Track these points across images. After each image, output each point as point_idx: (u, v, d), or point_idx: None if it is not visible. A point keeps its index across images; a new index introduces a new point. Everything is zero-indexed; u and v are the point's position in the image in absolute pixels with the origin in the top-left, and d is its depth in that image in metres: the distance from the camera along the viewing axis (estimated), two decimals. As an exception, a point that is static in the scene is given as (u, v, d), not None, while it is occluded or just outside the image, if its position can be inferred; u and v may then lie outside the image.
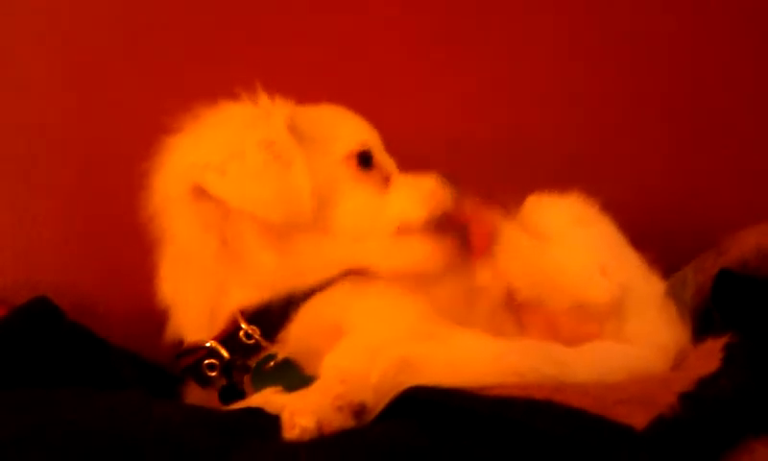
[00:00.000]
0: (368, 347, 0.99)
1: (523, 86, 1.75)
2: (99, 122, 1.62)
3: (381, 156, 1.21)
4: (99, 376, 1.19)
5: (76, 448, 0.74)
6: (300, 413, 0.82)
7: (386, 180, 1.19)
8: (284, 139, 1.09)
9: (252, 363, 1.09)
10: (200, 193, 1.07)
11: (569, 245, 1.17)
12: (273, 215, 1.06)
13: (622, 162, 1.73)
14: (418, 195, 1.17)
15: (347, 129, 1.20)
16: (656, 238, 1.20)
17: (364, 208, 1.15)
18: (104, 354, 1.25)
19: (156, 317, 1.18)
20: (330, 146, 1.16)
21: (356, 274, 1.13)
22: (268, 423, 0.87)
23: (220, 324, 1.11)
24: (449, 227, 1.16)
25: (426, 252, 1.14)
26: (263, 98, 1.14)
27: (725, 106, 1.76)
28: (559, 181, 1.24)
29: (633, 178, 1.71)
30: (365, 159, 1.17)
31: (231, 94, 1.13)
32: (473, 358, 0.95)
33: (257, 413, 0.95)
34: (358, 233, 1.13)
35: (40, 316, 1.26)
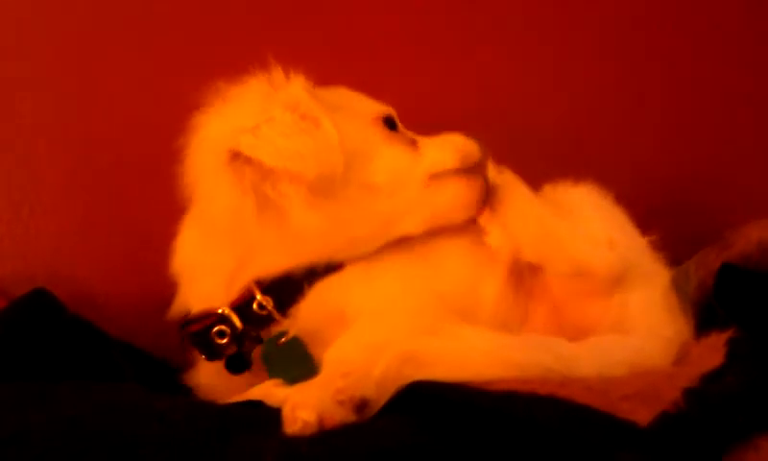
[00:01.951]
0: (371, 341, 0.98)
1: (526, 79, 1.74)
2: (97, 113, 1.61)
3: (402, 127, 1.25)
4: (98, 369, 1.18)
5: (75, 444, 0.74)
6: (301, 407, 0.82)
7: (413, 142, 1.22)
8: (307, 101, 1.12)
9: (264, 336, 1.10)
10: (236, 158, 1.08)
11: (580, 215, 1.19)
12: (307, 169, 1.07)
13: (625, 156, 1.72)
14: (449, 147, 1.21)
15: (367, 101, 1.24)
16: (658, 231, 1.20)
17: (399, 162, 1.18)
18: (103, 347, 1.25)
19: (156, 308, 1.17)
20: (355, 111, 1.20)
21: (394, 243, 1.16)
22: (269, 416, 0.86)
23: (234, 292, 1.11)
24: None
25: (460, 192, 1.19)
26: (278, 71, 1.16)
27: (729, 100, 1.76)
28: (561, 175, 1.24)
29: (635, 172, 1.71)
30: (391, 123, 1.21)
31: (248, 71, 1.15)
32: (476, 353, 0.95)
33: (258, 407, 0.95)
34: (392, 187, 1.16)
35: (39, 308, 1.26)
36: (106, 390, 0.95)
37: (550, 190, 1.24)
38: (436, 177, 1.19)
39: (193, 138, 1.11)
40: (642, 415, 0.75)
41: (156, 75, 1.61)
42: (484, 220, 1.18)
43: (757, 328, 0.98)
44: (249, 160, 1.07)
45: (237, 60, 1.55)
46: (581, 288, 1.14)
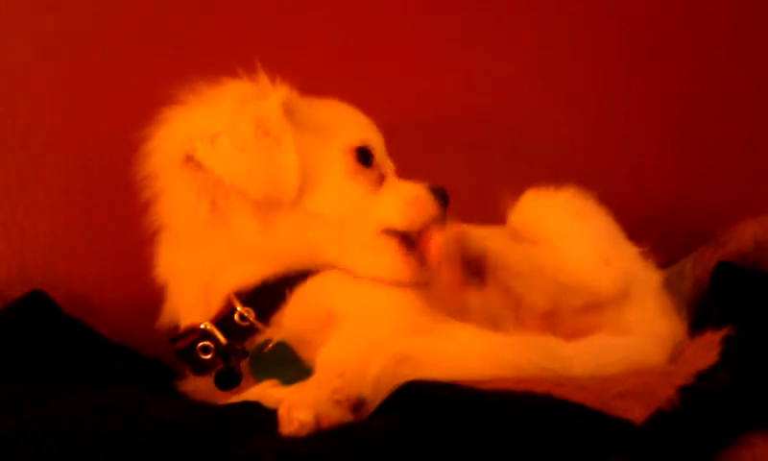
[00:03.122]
0: (366, 340, 0.98)
1: (521, 81, 1.75)
2: (93, 115, 1.61)
3: (381, 156, 1.22)
4: (94, 371, 1.18)
5: (71, 445, 0.74)
6: (297, 407, 0.82)
7: (380, 180, 1.20)
8: (276, 118, 1.11)
9: (249, 347, 1.09)
10: (190, 161, 1.09)
11: (571, 241, 1.17)
12: (254, 189, 1.08)
13: (620, 156, 1.73)
14: (403, 202, 1.17)
15: (351, 123, 1.21)
16: (653, 231, 1.20)
17: (350, 203, 1.16)
18: (99, 348, 1.25)
19: (151, 310, 1.17)
20: (332, 135, 1.18)
21: (333, 267, 1.14)
22: (265, 417, 0.86)
23: (215, 305, 1.12)
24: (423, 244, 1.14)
25: (395, 263, 1.14)
26: (263, 78, 1.16)
27: (723, 99, 1.77)
28: (557, 173, 1.24)
29: (630, 171, 1.71)
30: (364, 156, 1.18)
31: (233, 73, 1.15)
32: (472, 352, 0.95)
33: (254, 407, 0.95)
34: (339, 226, 1.14)
35: (36, 310, 1.26)
36: (102, 391, 0.95)
37: (532, 195, 1.23)
38: (384, 233, 1.15)
39: (155, 133, 1.12)
40: (637, 413, 0.75)
41: (155, 75, 1.60)
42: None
43: (752, 327, 0.98)
44: (201, 167, 1.08)
45: (237, 61, 1.56)
46: (586, 309, 1.13)
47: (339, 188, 1.16)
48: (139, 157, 1.12)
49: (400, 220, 1.16)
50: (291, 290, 1.11)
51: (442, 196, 1.18)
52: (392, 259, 1.14)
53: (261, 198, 1.09)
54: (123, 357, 1.28)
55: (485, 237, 1.14)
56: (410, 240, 1.15)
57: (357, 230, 1.14)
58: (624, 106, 1.75)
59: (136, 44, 1.63)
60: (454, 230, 1.12)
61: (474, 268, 1.11)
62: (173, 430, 0.80)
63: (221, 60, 1.58)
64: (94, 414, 0.83)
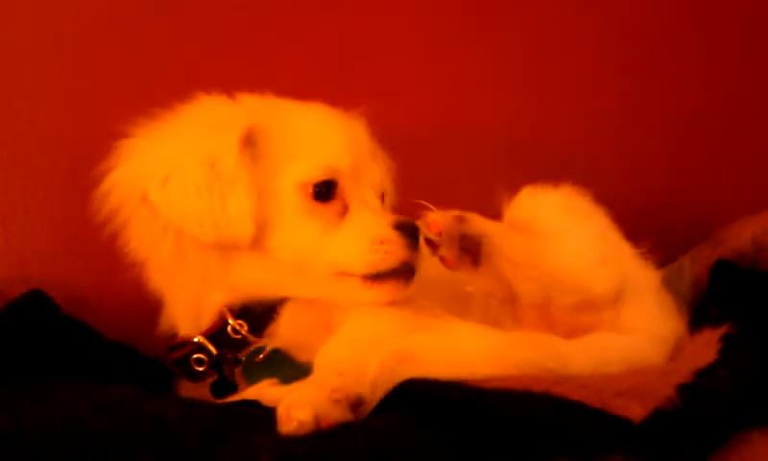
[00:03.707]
0: (364, 339, 0.98)
1: (518, 79, 1.74)
2: (91, 115, 1.60)
3: (349, 181, 1.12)
4: (93, 370, 1.18)
5: (70, 444, 0.74)
6: (296, 406, 0.81)
7: (343, 212, 1.11)
8: (230, 159, 1.05)
9: (242, 356, 1.09)
10: (146, 201, 1.06)
11: (567, 238, 1.15)
12: (204, 235, 1.05)
13: (618, 154, 1.73)
14: (362, 246, 1.09)
15: (315, 149, 1.12)
16: (651, 229, 1.20)
17: (305, 244, 1.09)
18: (98, 348, 1.25)
19: (150, 309, 1.17)
20: (288, 166, 1.09)
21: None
22: (264, 416, 0.86)
23: (207, 319, 1.11)
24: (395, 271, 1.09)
25: (365, 296, 1.09)
26: (225, 103, 1.12)
27: (721, 97, 1.77)
28: (555, 172, 1.23)
29: (628, 169, 1.71)
30: (324, 189, 1.09)
31: (196, 95, 1.12)
32: (471, 351, 0.95)
33: (253, 406, 0.95)
34: (297, 266, 1.09)
35: (35, 310, 1.26)
36: (102, 390, 0.95)
37: (529, 193, 1.21)
38: (342, 273, 1.09)
39: (112, 170, 1.10)
40: (636, 411, 0.76)
41: (153, 74, 1.61)
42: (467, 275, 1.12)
43: (751, 325, 0.98)
44: (153, 207, 1.06)
45: (233, 60, 1.56)
46: (582, 309, 1.12)
47: (293, 229, 1.08)
48: (99, 193, 1.11)
49: (360, 266, 1.08)
50: (283, 303, 1.09)
51: (411, 233, 1.09)
52: (357, 293, 1.09)
53: (213, 243, 1.05)
54: (122, 356, 1.28)
55: (484, 221, 1.12)
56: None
57: (314, 272, 1.09)
58: (622, 104, 1.75)
59: (136, 44, 1.63)
60: (453, 211, 1.10)
61: (471, 250, 1.10)
62: (172, 429, 0.80)
63: (219, 58, 1.61)
64: (94, 412, 0.83)
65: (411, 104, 1.65)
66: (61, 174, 1.60)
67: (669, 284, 1.21)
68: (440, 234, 1.08)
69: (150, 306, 1.18)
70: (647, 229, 1.20)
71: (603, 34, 1.77)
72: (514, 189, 1.24)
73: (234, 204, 1.04)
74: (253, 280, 1.09)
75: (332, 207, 1.10)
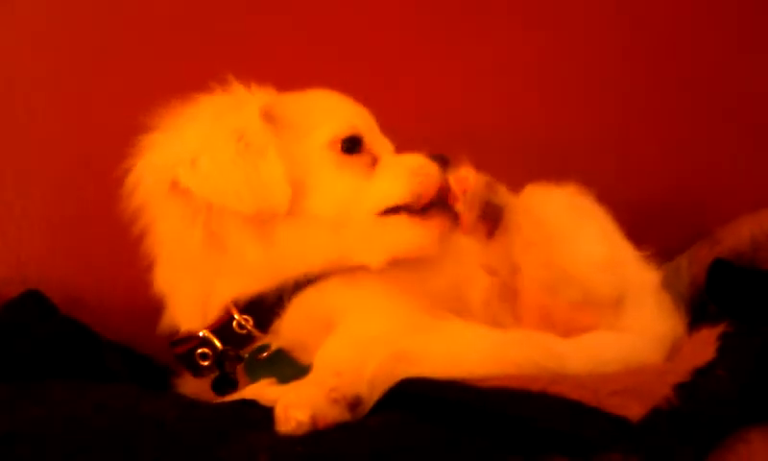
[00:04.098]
0: (362, 339, 0.98)
1: (520, 77, 1.74)
2: (88, 115, 1.60)
3: (373, 138, 1.17)
4: (91, 370, 1.18)
5: (69, 443, 0.74)
6: (294, 406, 0.81)
7: (373, 163, 1.14)
8: (256, 128, 1.07)
9: (245, 353, 1.09)
10: (177, 188, 1.06)
11: (574, 237, 1.16)
12: (244, 206, 1.04)
13: (617, 153, 1.73)
14: (402, 175, 1.12)
15: (334, 113, 1.15)
16: (650, 228, 1.20)
17: (344, 194, 1.10)
18: (96, 348, 1.24)
19: (148, 309, 1.17)
20: (313, 131, 1.12)
21: (343, 267, 1.10)
22: (262, 415, 0.86)
23: (213, 313, 1.10)
24: (438, 205, 1.12)
25: (413, 235, 1.10)
26: (237, 87, 1.12)
27: (719, 96, 1.77)
28: (555, 169, 1.23)
29: (628, 168, 1.71)
30: (350, 144, 1.12)
31: (205, 88, 1.11)
32: (469, 350, 0.95)
33: (251, 406, 0.95)
34: (339, 220, 1.09)
35: (32, 310, 1.26)
36: (100, 390, 0.95)
37: (532, 190, 1.21)
38: (387, 212, 1.11)
39: (136, 164, 1.09)
40: (634, 410, 0.76)
41: (151, 74, 1.61)
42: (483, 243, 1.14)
43: (749, 323, 0.98)
44: (188, 192, 1.05)
45: (230, 59, 1.56)
46: (583, 309, 1.12)
47: (329, 184, 1.10)
48: (124, 192, 1.09)
49: (403, 193, 1.11)
50: (289, 299, 1.08)
51: (444, 163, 1.13)
52: (405, 233, 1.10)
53: (253, 214, 1.05)
54: (119, 356, 1.27)
55: (511, 195, 1.12)
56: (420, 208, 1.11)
57: (357, 220, 1.10)
58: (621, 103, 1.75)
59: (134, 43, 1.63)
60: (487, 178, 1.10)
61: (489, 219, 1.11)
62: (170, 428, 0.80)
63: (215, 57, 1.61)
64: (92, 412, 0.83)
65: (413, 102, 1.65)
66: (59, 174, 1.60)
67: (667, 283, 1.21)
68: (465, 192, 1.09)
69: (147, 306, 1.17)
70: (645, 228, 1.20)
71: (605, 34, 1.77)
72: (516, 188, 1.24)
73: (268, 169, 1.05)
74: (296, 250, 1.09)
75: (362, 159, 1.13)
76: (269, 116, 1.10)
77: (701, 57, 1.78)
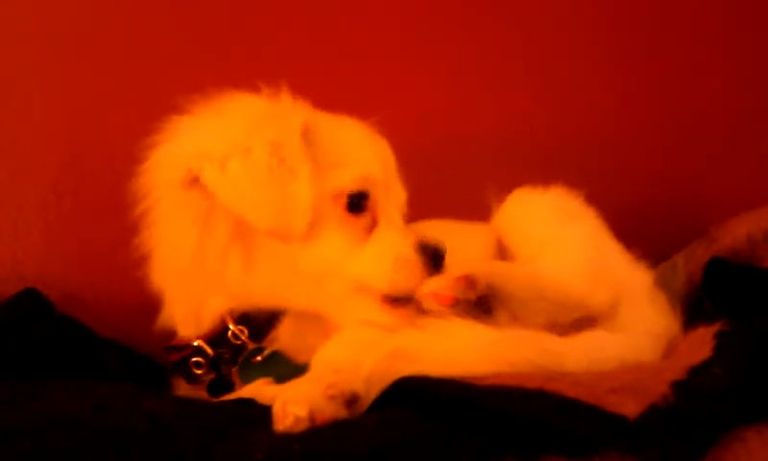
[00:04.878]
0: (359, 339, 0.98)
1: (513, 78, 1.75)
2: (86, 112, 1.61)
3: (382, 191, 1.13)
4: (88, 368, 1.18)
5: (67, 441, 0.73)
6: (292, 403, 0.82)
7: (372, 226, 1.11)
8: (295, 145, 1.04)
9: (240, 357, 1.09)
10: (193, 182, 1.03)
11: (558, 249, 1.15)
12: (261, 222, 1.02)
13: (612, 152, 1.73)
14: (387, 264, 1.08)
15: (353, 158, 1.11)
16: (647, 227, 1.20)
17: (333, 257, 1.07)
18: (93, 346, 1.25)
19: (146, 307, 1.17)
20: (329, 173, 1.08)
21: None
22: (260, 413, 0.86)
23: (207, 322, 1.09)
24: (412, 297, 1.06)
25: (381, 319, 1.07)
26: (285, 96, 1.10)
27: (714, 94, 1.77)
28: (549, 171, 1.24)
29: (623, 167, 1.71)
30: (356, 200, 1.09)
31: (252, 87, 1.09)
32: (466, 348, 0.95)
33: (249, 404, 0.95)
34: (320, 278, 1.07)
35: (29, 308, 1.26)
36: (98, 388, 0.95)
37: (519, 195, 1.21)
38: (362, 291, 1.08)
39: (160, 144, 1.06)
40: (631, 408, 0.76)
41: (149, 73, 1.61)
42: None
43: (745, 321, 0.98)
44: (205, 189, 1.02)
45: (230, 61, 1.56)
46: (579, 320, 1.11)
47: (324, 239, 1.07)
48: (137, 172, 1.07)
49: (382, 283, 1.07)
50: (284, 313, 1.08)
51: (434, 256, 1.08)
52: (373, 313, 1.07)
53: (267, 231, 1.03)
54: (117, 354, 1.27)
55: (490, 271, 1.07)
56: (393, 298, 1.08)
57: (335, 285, 1.07)
58: (616, 102, 1.76)
59: (133, 43, 1.63)
60: (456, 274, 1.05)
61: (482, 305, 1.05)
62: (168, 426, 0.79)
63: (214, 59, 1.61)
64: (88, 411, 0.83)
65: (401, 105, 1.65)
66: (55, 172, 1.60)
67: (663, 282, 1.21)
68: (455, 304, 1.03)
69: (145, 305, 1.17)
70: (643, 227, 1.20)
71: (597, 33, 1.77)
72: (506, 189, 1.24)
73: (296, 191, 1.02)
74: (272, 285, 1.07)
75: (362, 221, 1.10)
76: (307, 136, 1.07)
77: (697, 55, 1.78)
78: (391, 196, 1.15)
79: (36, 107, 1.61)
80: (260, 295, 1.08)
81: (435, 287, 1.04)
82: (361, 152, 1.13)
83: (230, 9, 1.66)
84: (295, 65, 1.62)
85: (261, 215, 1.02)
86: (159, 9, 1.64)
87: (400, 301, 1.07)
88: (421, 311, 1.05)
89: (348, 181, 1.09)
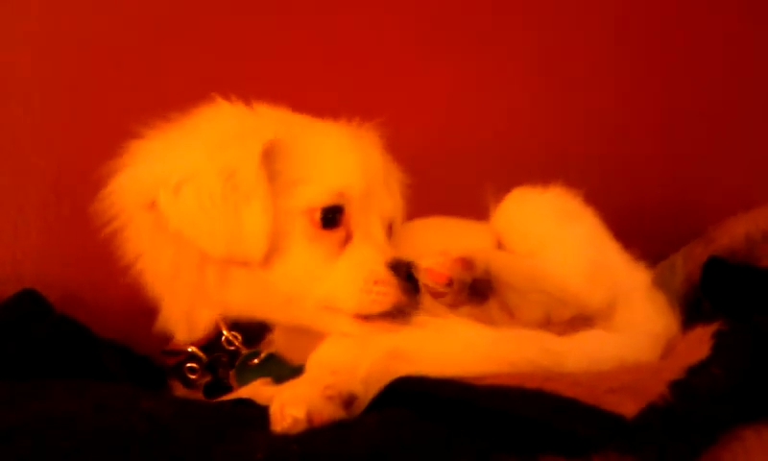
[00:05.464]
0: (357, 339, 0.98)
1: (513, 79, 1.75)
2: (85, 113, 1.60)
3: (360, 204, 1.10)
4: (87, 369, 1.18)
5: (66, 442, 0.74)
6: (289, 404, 0.82)
7: (346, 240, 1.08)
8: (250, 170, 1.02)
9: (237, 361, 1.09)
10: (154, 208, 1.03)
11: (558, 249, 1.14)
12: (214, 250, 1.02)
13: (611, 151, 1.73)
14: (357, 283, 1.05)
15: (328, 170, 1.09)
16: (645, 226, 1.20)
17: (304, 274, 1.05)
18: (92, 346, 1.24)
19: (144, 308, 1.17)
20: (299, 189, 1.06)
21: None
22: (258, 414, 0.86)
23: (200, 328, 1.10)
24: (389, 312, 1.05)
25: (355, 331, 1.05)
26: (248, 109, 1.09)
27: (714, 95, 1.77)
28: (548, 171, 1.24)
29: (622, 167, 1.72)
30: (330, 218, 1.07)
31: (212, 99, 1.08)
32: (465, 348, 0.95)
33: (247, 404, 0.95)
34: (291, 297, 1.06)
35: (29, 308, 1.26)
36: (97, 388, 0.95)
37: (517, 195, 1.21)
38: (332, 309, 1.06)
39: (120, 171, 1.06)
40: (629, 408, 0.76)
41: (149, 73, 1.61)
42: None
43: (743, 321, 0.98)
44: (164, 217, 1.02)
45: (234, 63, 1.56)
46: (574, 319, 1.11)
47: (294, 256, 1.05)
48: (101, 195, 1.08)
49: (351, 305, 1.05)
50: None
51: (407, 275, 1.05)
52: (347, 327, 1.05)
53: (220, 258, 1.03)
54: (116, 355, 1.27)
55: (487, 256, 1.07)
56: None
57: (305, 304, 1.06)
58: (614, 102, 1.76)
59: (130, 44, 1.63)
60: (453, 255, 1.03)
61: (477, 289, 1.05)
62: (167, 426, 0.79)
63: (214, 59, 1.60)
64: (90, 410, 0.83)
65: (402, 105, 1.65)
66: (55, 173, 1.60)
67: (662, 282, 1.21)
68: (450, 284, 1.02)
69: (144, 306, 1.17)
70: (641, 227, 1.20)
71: (596, 35, 1.77)
72: (505, 189, 1.24)
73: (250, 220, 1.01)
74: (247, 302, 1.07)
75: (336, 235, 1.07)
76: (270, 154, 1.05)
77: (696, 54, 1.78)
78: (373, 206, 1.12)
79: (35, 107, 1.60)
80: (240, 310, 1.08)
81: (432, 264, 1.02)
82: (337, 163, 1.10)
83: (231, 9, 1.66)
84: (295, 66, 1.62)
85: (213, 243, 1.01)
86: (160, 8, 1.64)
87: (373, 316, 1.05)
88: (397, 321, 1.03)
89: (321, 196, 1.06)
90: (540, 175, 1.25)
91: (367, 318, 1.05)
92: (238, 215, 1.00)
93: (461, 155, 1.68)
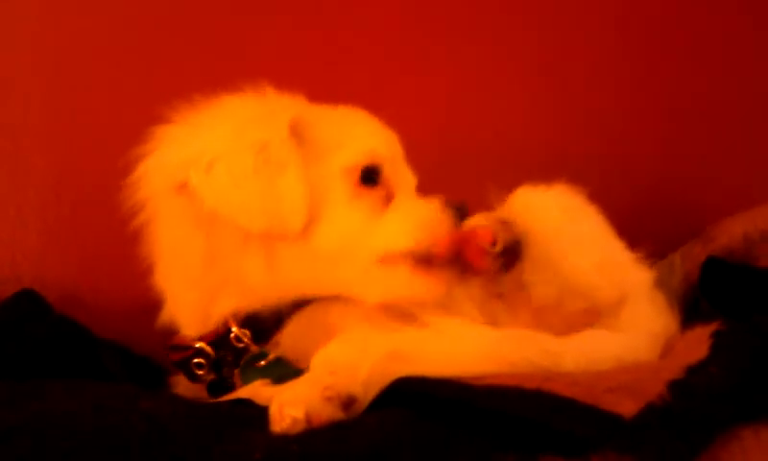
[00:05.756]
0: (358, 341, 0.98)
1: (513, 77, 1.75)
2: (84, 112, 1.61)
3: (394, 169, 1.12)
4: (86, 369, 1.18)
5: (65, 442, 0.74)
6: (289, 404, 0.82)
7: (388, 199, 1.10)
8: (282, 142, 1.03)
9: (242, 360, 1.08)
10: (186, 190, 1.02)
11: (569, 243, 1.14)
12: (253, 224, 1.01)
13: (610, 151, 1.73)
14: (411, 223, 1.07)
15: (358, 136, 1.11)
16: (644, 226, 1.20)
17: (351, 231, 1.06)
18: (91, 347, 1.25)
19: (144, 308, 1.17)
20: (334, 154, 1.07)
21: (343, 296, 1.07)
22: (257, 414, 0.86)
23: (211, 323, 1.09)
24: (445, 257, 1.06)
25: (413, 287, 1.06)
26: (270, 92, 1.09)
27: (712, 94, 1.78)
28: (549, 170, 1.24)
29: (621, 166, 1.72)
30: (368, 175, 1.08)
31: (235, 87, 1.08)
32: (464, 348, 0.95)
33: (247, 405, 0.95)
34: (342, 256, 1.06)
35: (28, 309, 1.26)
36: (96, 388, 0.95)
37: (523, 193, 1.20)
38: (388, 258, 1.06)
39: (145, 157, 1.05)
40: (627, 407, 0.76)
41: (149, 73, 1.61)
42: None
43: (742, 321, 0.99)
44: (196, 196, 1.02)
45: (234, 63, 1.56)
46: (585, 315, 1.11)
47: (339, 217, 1.06)
48: (127, 183, 1.06)
49: (408, 242, 1.06)
50: (289, 316, 1.07)
51: (460, 212, 1.08)
52: (402, 284, 1.06)
53: (260, 233, 1.02)
54: (115, 355, 1.28)
55: (517, 221, 1.09)
56: (425, 259, 1.06)
57: (358, 260, 1.06)
58: (615, 102, 1.76)
59: (129, 44, 1.63)
60: (492, 216, 1.05)
61: (511, 257, 1.07)
62: (167, 426, 0.79)
63: (214, 60, 1.61)
64: (89, 410, 0.83)
65: (402, 105, 1.64)
66: (54, 173, 1.60)
67: (660, 281, 1.21)
68: (494, 244, 1.03)
69: (144, 306, 1.17)
70: (640, 226, 1.20)
71: (596, 35, 1.77)
72: (507, 188, 1.24)
73: (286, 189, 1.01)
74: (297, 277, 1.06)
75: (377, 193, 1.09)
76: (297, 130, 1.06)
77: (696, 54, 1.78)
78: (401, 178, 1.14)
79: (35, 107, 1.61)
80: (283, 289, 1.07)
81: (476, 223, 1.04)
82: (368, 130, 1.13)
83: (231, 9, 1.66)
84: (295, 65, 1.63)
85: (251, 217, 1.01)
86: (160, 8, 1.64)
87: (433, 264, 1.06)
88: (459, 274, 1.04)
89: (357, 156, 1.08)
90: (541, 174, 1.24)
91: (428, 266, 1.06)
92: (274, 187, 1.01)
93: (461, 154, 1.68)
